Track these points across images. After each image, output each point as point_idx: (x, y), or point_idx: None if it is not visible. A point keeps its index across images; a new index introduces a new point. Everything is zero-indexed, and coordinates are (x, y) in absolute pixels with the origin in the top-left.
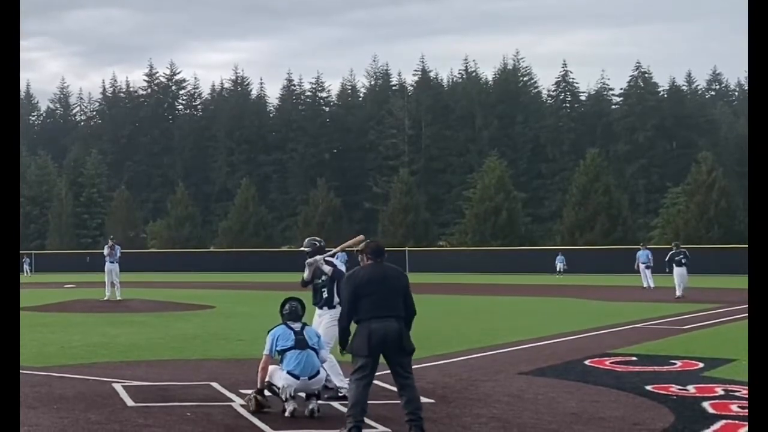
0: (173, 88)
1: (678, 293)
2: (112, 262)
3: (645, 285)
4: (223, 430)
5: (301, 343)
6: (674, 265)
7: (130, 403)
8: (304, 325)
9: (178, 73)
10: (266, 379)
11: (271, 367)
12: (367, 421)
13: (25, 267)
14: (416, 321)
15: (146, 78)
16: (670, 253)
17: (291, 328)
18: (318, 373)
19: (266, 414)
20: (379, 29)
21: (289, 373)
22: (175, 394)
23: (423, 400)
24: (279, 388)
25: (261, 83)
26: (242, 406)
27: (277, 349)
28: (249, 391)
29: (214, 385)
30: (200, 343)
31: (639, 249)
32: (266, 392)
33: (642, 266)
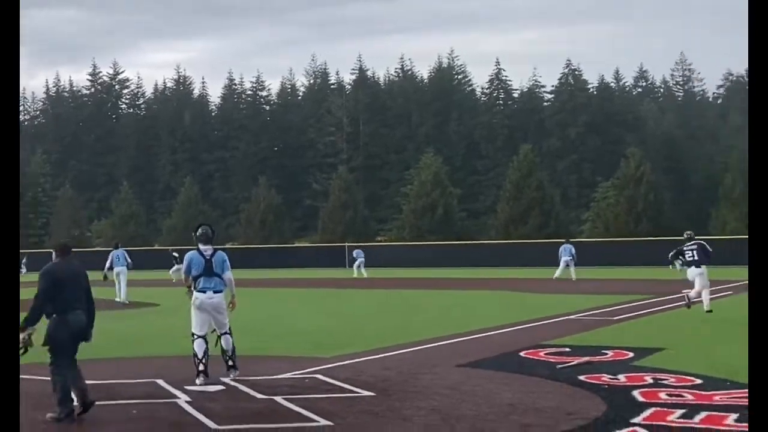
0: (116, 87)
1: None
2: (120, 266)
3: (556, 276)
4: (168, 426)
5: (208, 271)
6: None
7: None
8: (216, 251)
9: (122, 72)
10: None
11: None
12: (309, 414)
13: None
14: (356, 315)
15: (90, 77)
16: None
17: (203, 255)
18: (221, 291)
19: (211, 411)
20: (318, 29)
21: (198, 290)
22: (120, 391)
23: (364, 393)
24: (198, 355)
25: (203, 82)
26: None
27: (192, 275)
28: (194, 388)
29: (159, 382)
30: (144, 341)
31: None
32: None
33: (566, 260)
